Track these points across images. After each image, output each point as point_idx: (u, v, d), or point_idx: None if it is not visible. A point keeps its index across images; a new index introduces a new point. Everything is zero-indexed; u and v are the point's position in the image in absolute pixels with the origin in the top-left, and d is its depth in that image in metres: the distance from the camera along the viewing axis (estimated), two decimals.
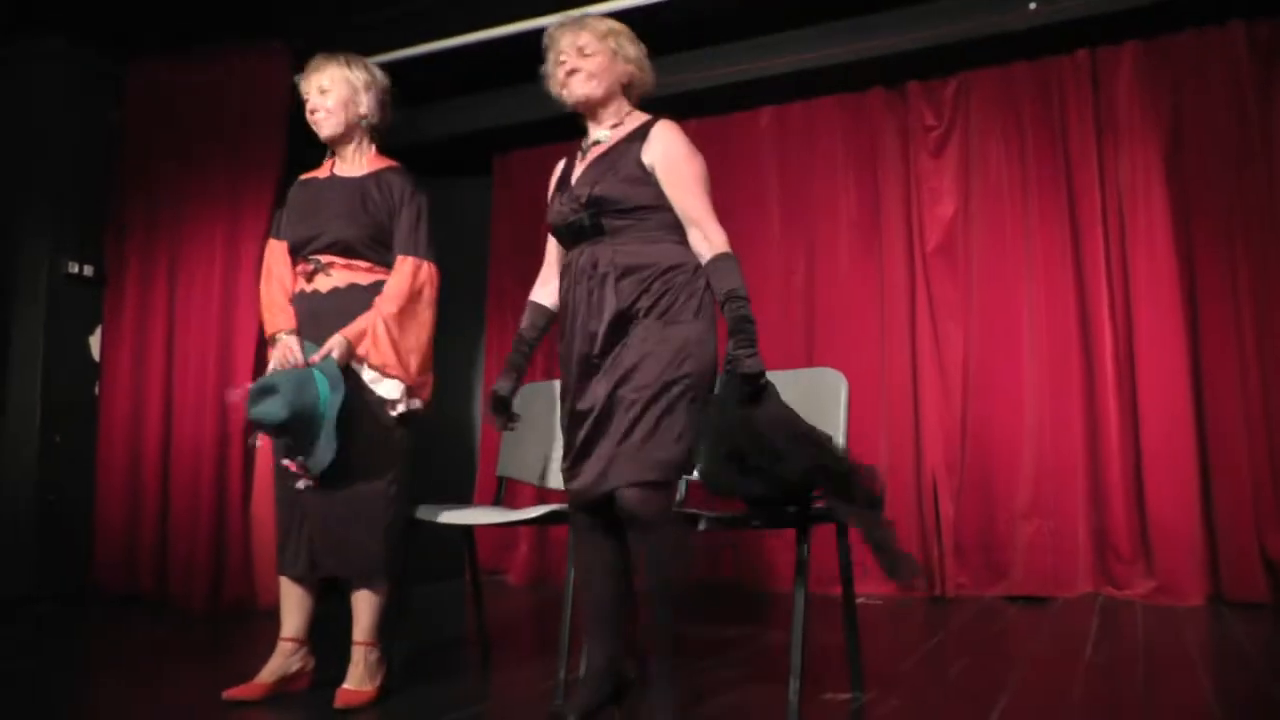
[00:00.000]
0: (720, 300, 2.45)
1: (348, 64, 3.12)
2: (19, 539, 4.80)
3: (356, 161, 3.15)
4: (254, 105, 5.01)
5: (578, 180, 2.59)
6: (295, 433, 2.78)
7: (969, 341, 4.85)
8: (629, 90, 2.67)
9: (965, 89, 5.01)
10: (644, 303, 2.43)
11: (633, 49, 2.65)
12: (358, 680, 2.88)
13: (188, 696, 3.05)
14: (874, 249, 5.09)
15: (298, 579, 3.00)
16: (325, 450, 2.80)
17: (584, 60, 2.60)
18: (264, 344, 3.20)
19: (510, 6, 4.69)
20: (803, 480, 2.37)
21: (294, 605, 3.01)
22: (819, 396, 2.84)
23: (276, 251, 3.12)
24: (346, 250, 3.01)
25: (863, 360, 4.93)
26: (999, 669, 3.12)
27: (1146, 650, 3.38)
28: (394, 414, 2.96)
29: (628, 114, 2.66)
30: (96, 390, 5.14)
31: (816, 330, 5.15)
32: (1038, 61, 4.87)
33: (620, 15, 4.56)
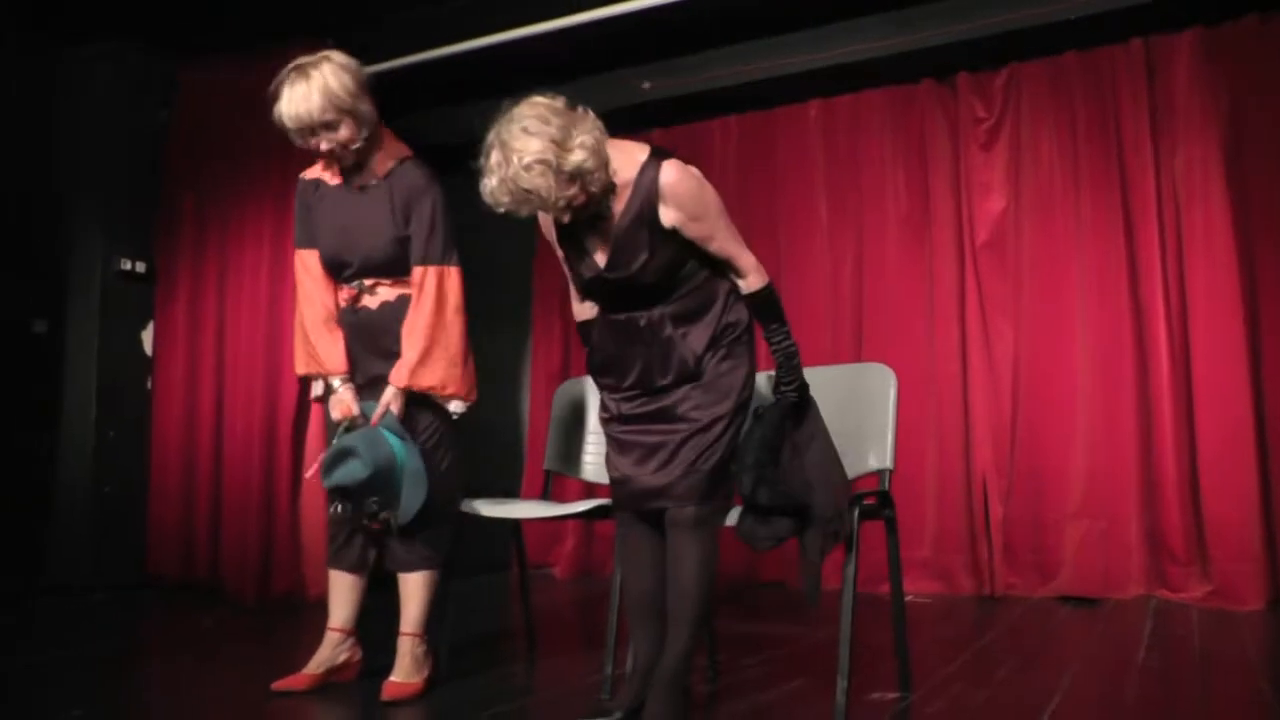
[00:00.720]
0: (766, 335, 2.52)
1: (327, 80, 2.81)
2: (76, 529, 4.92)
3: (368, 165, 2.97)
4: None
5: (608, 263, 2.44)
6: (379, 490, 2.79)
7: (1019, 338, 4.78)
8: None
9: (1016, 80, 4.93)
10: (712, 343, 2.47)
11: (588, 158, 2.27)
12: (405, 672, 2.89)
13: (236, 686, 3.09)
14: (923, 243, 5.04)
15: (348, 571, 3.02)
16: (412, 501, 2.83)
17: (586, 193, 2.34)
18: None
19: (556, 4, 4.71)
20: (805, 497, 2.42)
21: (343, 596, 3.03)
22: (867, 393, 2.81)
23: (311, 266, 3.01)
24: (388, 272, 2.94)
25: (911, 356, 4.88)
26: (1049, 671, 3.07)
27: (1202, 655, 3.31)
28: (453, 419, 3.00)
29: (619, 160, 2.39)
30: (149, 384, 5.23)
31: (865, 325, 5.11)
32: (1090, 51, 4.77)
33: (666, 10, 4.62)
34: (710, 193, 2.46)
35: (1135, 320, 4.58)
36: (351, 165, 2.96)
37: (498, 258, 5.78)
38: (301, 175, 3.10)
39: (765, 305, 2.52)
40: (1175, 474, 4.39)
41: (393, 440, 2.83)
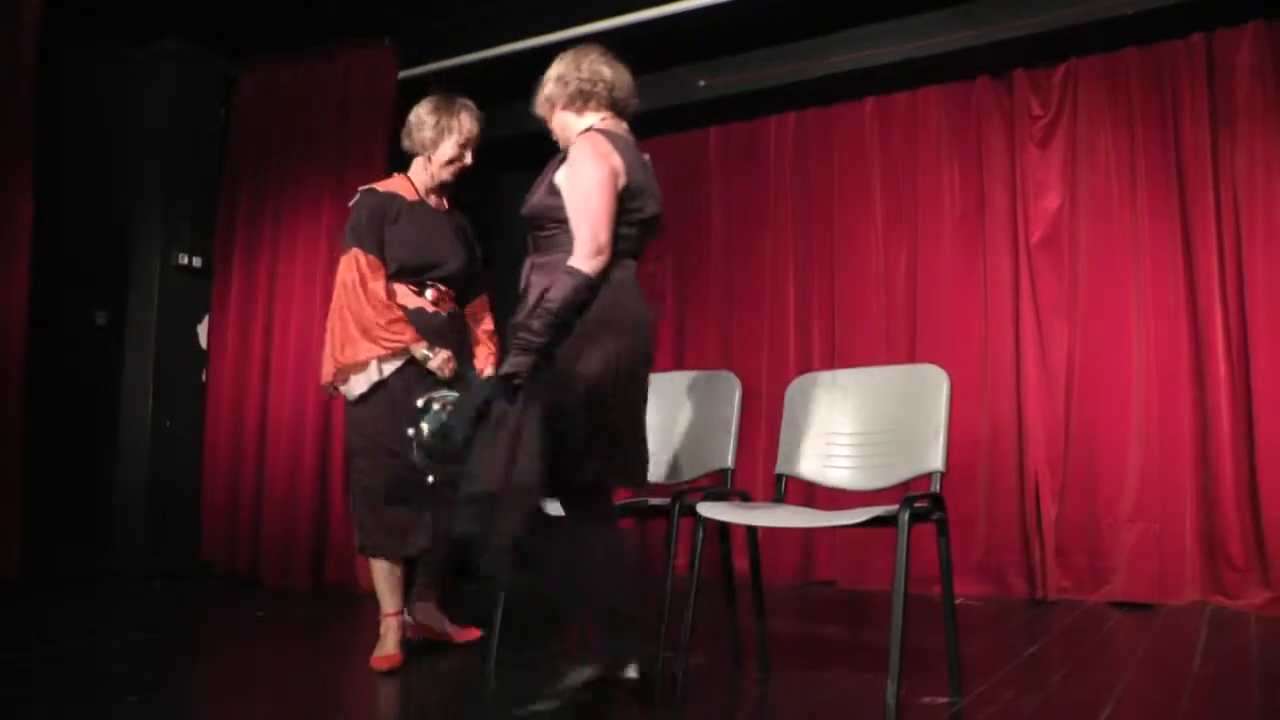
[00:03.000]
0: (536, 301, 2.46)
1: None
2: (134, 517, 5.02)
3: (441, 198, 3.40)
4: (360, 103, 5.11)
5: None
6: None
7: (1074, 337, 4.73)
8: (578, 108, 2.67)
9: (1073, 76, 4.87)
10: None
11: (551, 86, 2.70)
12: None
13: (288, 673, 3.15)
14: (978, 242, 4.99)
15: (400, 558, 3.15)
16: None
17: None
18: None
19: (611, 3, 4.72)
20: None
21: (397, 583, 3.17)
22: (920, 394, 2.81)
23: (375, 267, 3.18)
24: (458, 284, 3.34)
25: (965, 355, 4.85)
26: (1101, 679, 3.03)
27: (1261, 665, 3.24)
28: None
29: (579, 134, 2.65)
30: (204, 377, 5.31)
31: (919, 324, 5.08)
32: (1149, 47, 4.70)
33: (722, 8, 4.62)
34: (590, 172, 2.47)
35: (1192, 319, 4.51)
36: (434, 190, 3.36)
37: None
38: (372, 186, 3.28)
39: (562, 281, 2.41)
40: (1233, 477, 4.32)
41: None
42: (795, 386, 3.11)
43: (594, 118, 2.66)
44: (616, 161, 2.50)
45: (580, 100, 2.66)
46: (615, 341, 2.48)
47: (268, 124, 5.34)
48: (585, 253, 2.43)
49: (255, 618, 4.22)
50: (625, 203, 2.50)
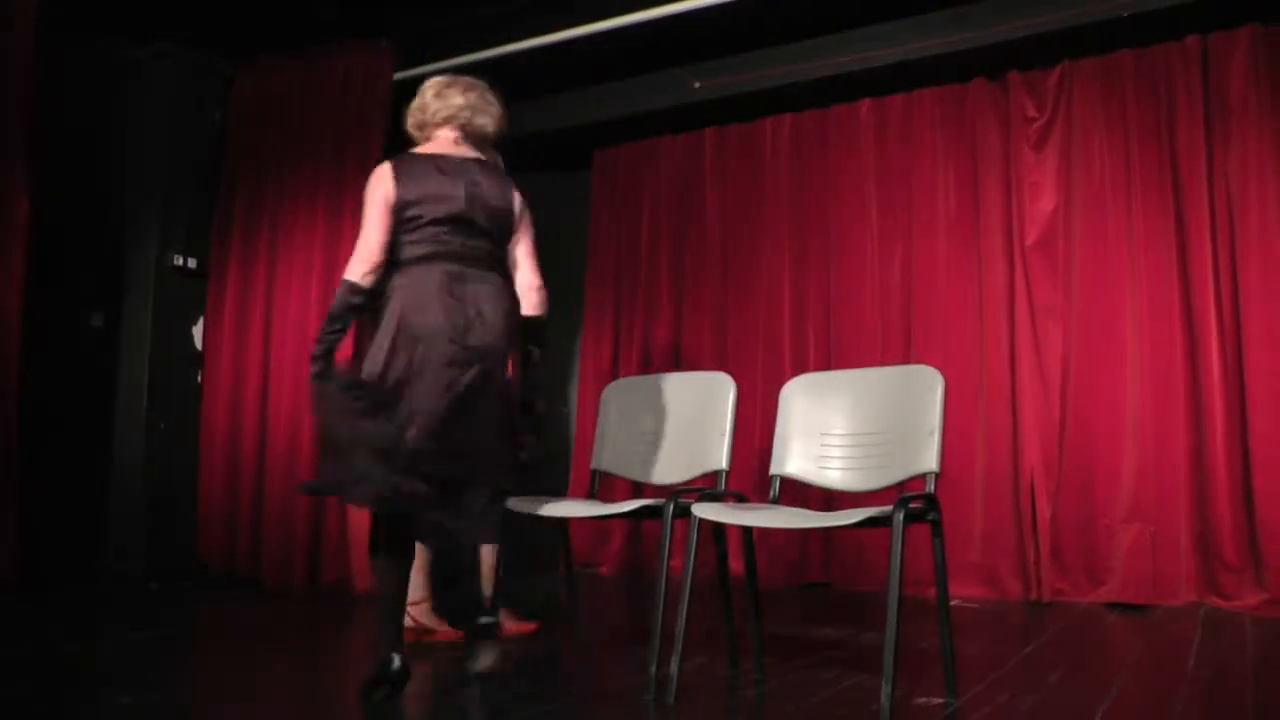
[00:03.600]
0: None
1: None
2: (130, 518, 5.01)
3: None
4: (358, 104, 5.11)
5: None
6: None
7: (1069, 339, 4.74)
8: (422, 138, 3.00)
9: (1068, 79, 4.89)
10: None
11: (409, 128, 3.04)
12: None
13: (283, 674, 3.15)
14: (972, 244, 5.00)
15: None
16: None
17: None
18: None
19: (607, 4, 4.73)
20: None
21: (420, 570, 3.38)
22: (914, 395, 2.81)
23: None
24: None
25: (960, 357, 4.86)
26: (1095, 680, 3.04)
27: (1256, 666, 3.25)
28: None
29: None
30: (199, 378, 5.31)
31: (914, 326, 5.09)
32: (1144, 49, 4.72)
33: (718, 10, 4.63)
34: (366, 192, 2.81)
35: (1186, 321, 4.52)
36: None
37: (550, 256, 5.82)
38: None
39: (337, 294, 2.77)
40: (1227, 478, 4.33)
41: None
42: (790, 387, 3.11)
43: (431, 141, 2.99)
44: (387, 184, 2.78)
45: (420, 131, 3.01)
46: (401, 339, 2.70)
47: (265, 125, 5.34)
48: (352, 262, 2.76)
49: (250, 618, 4.23)
50: (400, 213, 2.77)
